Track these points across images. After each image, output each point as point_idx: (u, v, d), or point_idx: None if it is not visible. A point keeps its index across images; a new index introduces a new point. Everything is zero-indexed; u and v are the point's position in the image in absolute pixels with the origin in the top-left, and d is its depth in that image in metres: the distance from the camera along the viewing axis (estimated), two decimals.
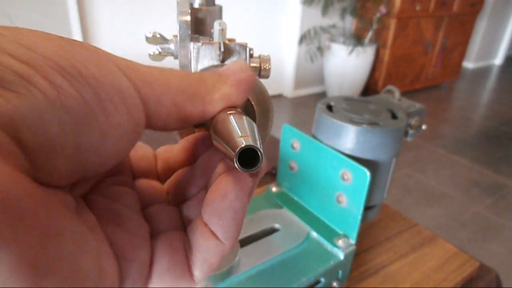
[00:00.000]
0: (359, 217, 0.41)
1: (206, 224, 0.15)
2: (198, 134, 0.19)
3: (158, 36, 0.29)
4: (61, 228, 0.10)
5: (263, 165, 0.15)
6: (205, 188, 0.18)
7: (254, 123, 0.14)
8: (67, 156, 0.11)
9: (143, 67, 0.14)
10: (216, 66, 0.19)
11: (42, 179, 0.10)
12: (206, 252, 0.15)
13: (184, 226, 0.16)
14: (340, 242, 0.42)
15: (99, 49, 0.13)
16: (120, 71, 0.13)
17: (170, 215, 0.16)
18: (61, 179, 0.11)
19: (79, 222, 0.11)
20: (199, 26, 0.30)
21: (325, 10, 2.74)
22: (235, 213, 0.14)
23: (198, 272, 0.15)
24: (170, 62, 0.35)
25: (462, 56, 3.50)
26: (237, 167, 0.12)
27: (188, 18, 0.26)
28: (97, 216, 0.13)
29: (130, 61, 0.14)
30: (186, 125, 0.15)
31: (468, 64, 4.21)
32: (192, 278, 0.15)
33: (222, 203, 0.14)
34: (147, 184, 0.17)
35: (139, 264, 0.14)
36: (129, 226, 0.14)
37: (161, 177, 0.19)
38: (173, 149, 0.19)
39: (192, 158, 0.18)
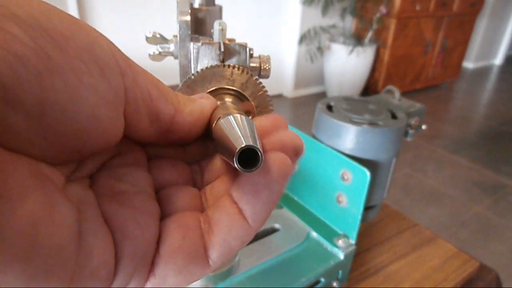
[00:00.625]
0: (359, 217, 0.41)
1: (234, 202, 0.14)
2: None
3: (158, 36, 0.29)
4: (17, 192, 0.09)
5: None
6: None
7: (253, 123, 0.14)
8: (28, 113, 0.10)
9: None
10: (215, 66, 0.19)
11: (1, 139, 0.10)
12: (228, 231, 0.13)
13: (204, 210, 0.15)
14: (340, 242, 0.42)
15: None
16: (98, 36, 0.12)
17: (189, 196, 0.15)
18: (27, 142, 0.10)
19: (54, 194, 0.11)
20: (199, 26, 0.30)
21: (325, 10, 2.74)
22: (272, 194, 0.13)
23: (215, 254, 0.14)
24: (170, 62, 0.35)
25: (462, 56, 3.50)
26: (237, 167, 0.12)
27: (188, 18, 0.26)
28: (99, 195, 0.13)
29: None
30: (154, 127, 0.14)
31: (468, 64, 4.21)
32: (207, 261, 0.14)
33: (262, 178, 0.13)
34: (168, 164, 0.16)
35: (140, 241, 0.13)
36: (131, 204, 0.13)
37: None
38: None
39: None
